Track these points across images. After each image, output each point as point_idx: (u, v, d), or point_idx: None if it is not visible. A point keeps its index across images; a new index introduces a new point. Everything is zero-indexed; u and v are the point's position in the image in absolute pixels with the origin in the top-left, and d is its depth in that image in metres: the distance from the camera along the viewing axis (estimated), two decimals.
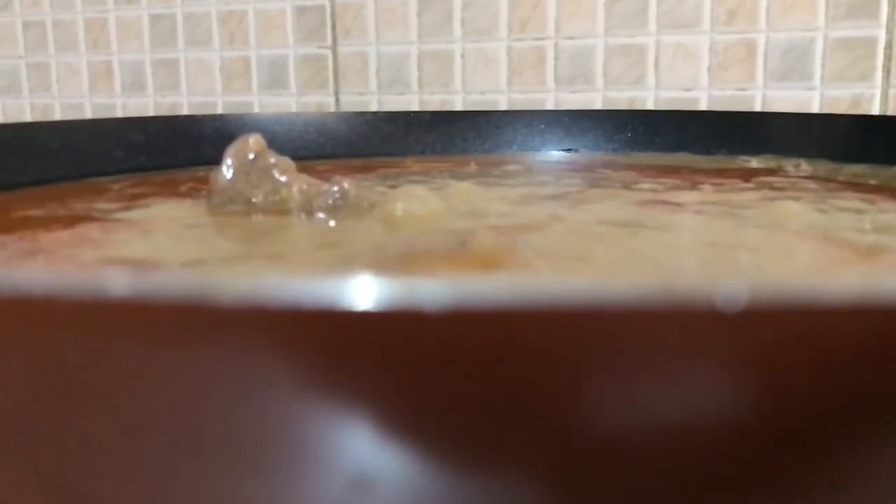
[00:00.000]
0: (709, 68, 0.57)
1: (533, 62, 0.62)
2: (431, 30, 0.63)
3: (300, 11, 0.67)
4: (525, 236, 0.22)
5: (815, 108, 0.55)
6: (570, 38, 0.60)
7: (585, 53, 0.60)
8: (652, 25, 0.58)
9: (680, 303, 0.07)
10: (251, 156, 0.28)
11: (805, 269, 0.17)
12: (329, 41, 0.67)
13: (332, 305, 0.07)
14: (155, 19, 0.72)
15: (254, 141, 0.29)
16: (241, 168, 0.28)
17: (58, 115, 0.77)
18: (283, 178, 0.28)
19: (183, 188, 0.33)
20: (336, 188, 0.27)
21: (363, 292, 0.07)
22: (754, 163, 0.38)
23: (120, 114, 0.74)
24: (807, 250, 0.20)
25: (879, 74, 0.54)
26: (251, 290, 0.07)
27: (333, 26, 0.66)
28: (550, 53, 0.61)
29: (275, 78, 0.69)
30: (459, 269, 0.19)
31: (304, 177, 0.28)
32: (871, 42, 0.53)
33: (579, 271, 0.18)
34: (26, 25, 0.77)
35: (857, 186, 0.30)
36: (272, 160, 0.28)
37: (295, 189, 0.27)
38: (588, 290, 0.07)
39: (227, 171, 0.28)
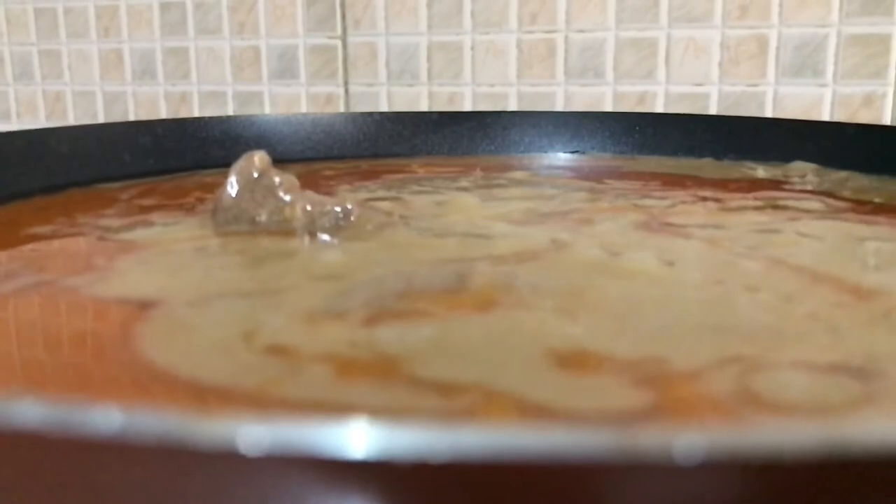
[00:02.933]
0: (720, 63, 0.56)
1: (543, 55, 0.61)
2: (441, 21, 0.63)
3: (310, 1, 0.67)
4: (523, 268, 0.22)
5: (826, 105, 0.54)
6: (581, 31, 0.60)
7: (596, 47, 0.60)
8: (663, 19, 0.57)
9: (640, 458, 0.07)
10: (256, 174, 0.28)
11: (796, 330, 0.18)
12: (339, 31, 0.66)
13: (307, 454, 0.07)
14: (165, 7, 0.72)
15: (259, 158, 0.29)
16: (246, 186, 0.29)
17: (70, 103, 0.77)
18: (287, 198, 0.28)
19: (190, 198, 0.34)
20: (339, 208, 0.28)
21: (340, 443, 0.07)
22: (760, 171, 0.38)
23: (131, 102, 0.75)
24: (803, 294, 0.20)
25: (893, 71, 0.53)
26: (229, 437, 0.08)
27: (343, 17, 0.66)
28: (561, 46, 0.60)
29: (284, 68, 0.69)
30: (455, 310, 0.19)
31: (309, 194, 0.29)
32: (885, 38, 0.53)
33: (572, 316, 0.18)
34: (38, 12, 0.77)
35: (860, 206, 0.30)
36: (276, 179, 0.28)
37: (298, 209, 0.28)
38: (545, 445, 0.07)
39: (231, 189, 0.29)
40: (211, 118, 0.43)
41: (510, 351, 0.16)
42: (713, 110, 0.57)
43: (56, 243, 0.27)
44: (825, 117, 0.54)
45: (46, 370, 0.16)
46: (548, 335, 0.17)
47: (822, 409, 0.14)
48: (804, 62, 0.55)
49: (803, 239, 0.25)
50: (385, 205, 0.31)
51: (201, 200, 0.33)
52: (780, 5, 0.55)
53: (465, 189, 0.34)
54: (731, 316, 0.18)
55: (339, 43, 0.67)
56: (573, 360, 0.16)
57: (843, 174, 0.36)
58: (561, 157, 0.45)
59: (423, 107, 0.64)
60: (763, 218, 0.29)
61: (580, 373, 0.15)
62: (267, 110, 0.70)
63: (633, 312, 0.19)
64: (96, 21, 0.75)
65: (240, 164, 0.29)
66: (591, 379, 0.15)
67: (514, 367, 0.16)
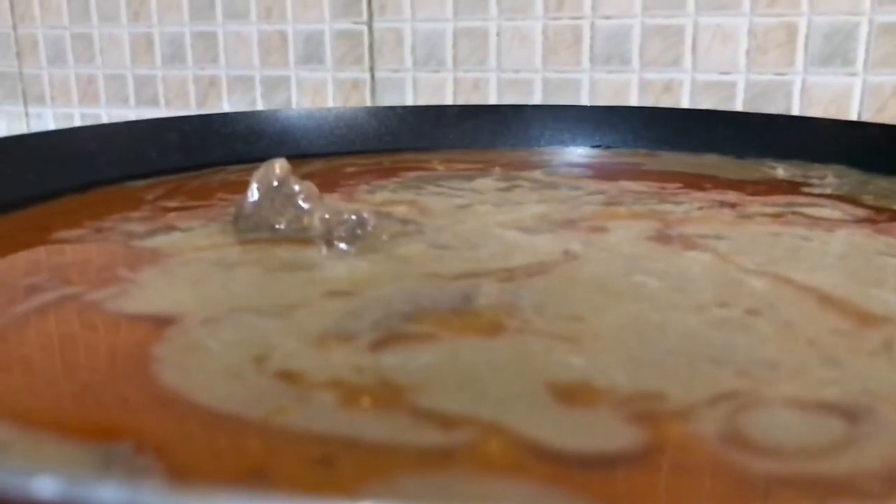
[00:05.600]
0: (747, 52, 0.56)
1: (569, 41, 0.61)
2: (467, 7, 0.63)
3: None
4: (531, 285, 0.23)
5: (856, 95, 0.53)
6: (607, 17, 0.59)
7: (622, 33, 0.59)
8: (690, 6, 0.57)
9: None
10: (276, 182, 0.29)
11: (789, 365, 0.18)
12: (365, 17, 0.67)
13: None
14: None
15: (279, 166, 0.29)
16: (267, 194, 0.29)
17: (101, 86, 0.78)
18: (306, 206, 0.29)
19: (214, 199, 0.34)
20: (356, 217, 0.28)
21: None
22: (781, 171, 0.38)
23: (161, 86, 0.76)
24: (806, 319, 0.20)
25: None
26: None
27: (369, 2, 0.66)
28: (587, 33, 0.60)
29: (311, 53, 0.69)
30: (460, 334, 0.19)
31: (327, 203, 0.29)
32: None
33: (574, 344, 0.19)
34: None
35: (878, 214, 0.30)
36: (296, 187, 0.29)
37: (316, 218, 0.28)
38: None
39: (252, 196, 0.29)
40: (236, 113, 0.44)
41: (511, 382, 0.17)
42: (740, 99, 0.56)
43: (83, 251, 0.28)
44: (854, 107, 0.54)
45: (64, 395, 0.17)
46: (549, 365, 0.18)
47: (805, 454, 0.14)
48: (834, 51, 0.54)
49: (815, 254, 0.25)
50: (402, 210, 0.31)
51: (225, 201, 0.34)
52: None
53: (481, 192, 0.35)
54: (730, 344, 0.19)
55: (365, 28, 0.67)
56: (572, 393, 0.16)
57: (863, 176, 0.36)
58: (581, 154, 0.45)
59: (449, 93, 0.64)
60: (777, 227, 0.29)
61: (577, 407, 0.16)
62: (294, 95, 0.70)
63: (635, 339, 0.19)
64: (126, 5, 0.76)
65: (260, 172, 0.29)
66: (587, 414, 0.16)
67: (514, 400, 0.16)
